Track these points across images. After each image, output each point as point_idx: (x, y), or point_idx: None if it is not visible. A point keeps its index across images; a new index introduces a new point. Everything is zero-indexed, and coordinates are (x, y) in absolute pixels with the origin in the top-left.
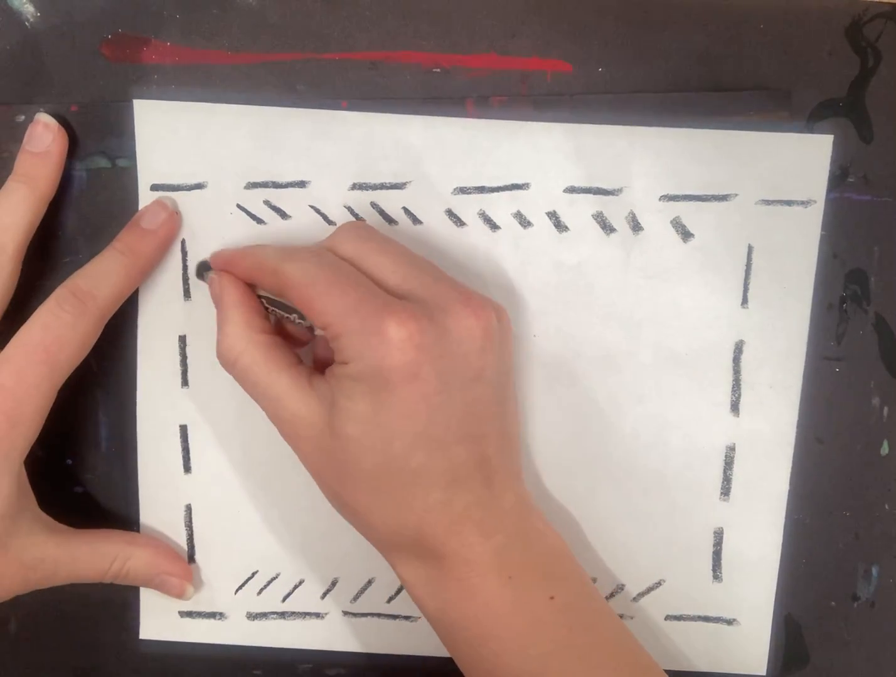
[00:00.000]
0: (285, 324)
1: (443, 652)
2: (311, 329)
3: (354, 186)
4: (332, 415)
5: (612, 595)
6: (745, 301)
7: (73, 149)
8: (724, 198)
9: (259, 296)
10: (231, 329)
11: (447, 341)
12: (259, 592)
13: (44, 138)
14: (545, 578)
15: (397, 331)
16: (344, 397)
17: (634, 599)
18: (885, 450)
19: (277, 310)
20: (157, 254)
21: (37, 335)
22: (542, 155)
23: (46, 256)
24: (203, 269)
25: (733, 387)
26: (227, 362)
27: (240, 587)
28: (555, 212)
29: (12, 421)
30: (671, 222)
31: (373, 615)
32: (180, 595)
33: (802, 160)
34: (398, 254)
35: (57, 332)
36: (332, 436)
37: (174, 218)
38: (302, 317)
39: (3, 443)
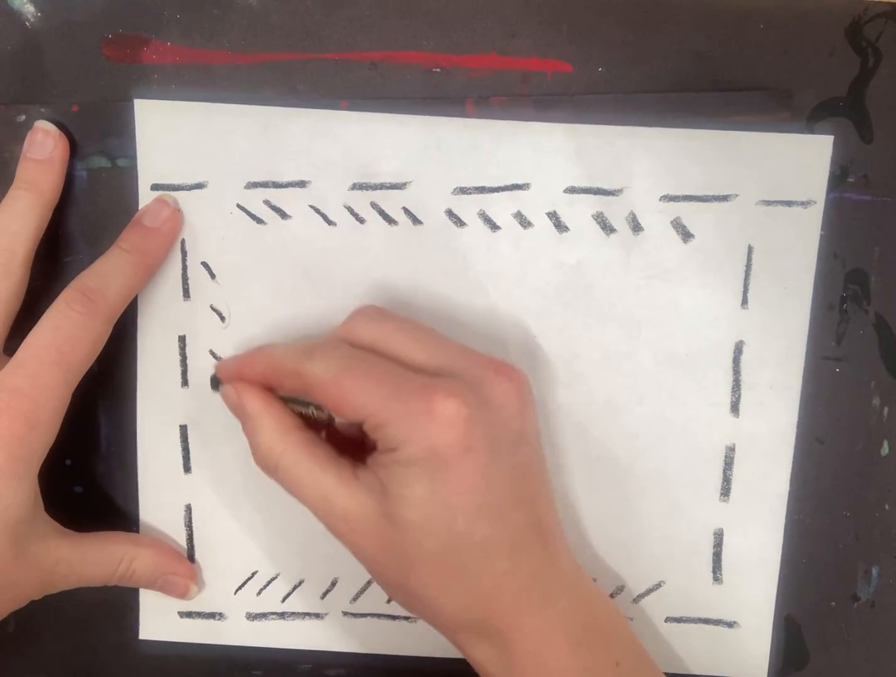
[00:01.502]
0: (306, 419)
1: (442, 652)
2: (329, 418)
3: (354, 186)
4: (386, 504)
5: (611, 596)
6: (745, 301)
7: (74, 149)
8: (724, 198)
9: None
10: (265, 435)
11: (489, 409)
12: (259, 592)
13: (45, 145)
14: (609, 643)
15: (444, 408)
16: (397, 484)
17: (634, 600)
18: (885, 450)
19: (297, 408)
20: (162, 252)
21: (48, 337)
22: (542, 155)
23: (47, 256)
24: (217, 382)
25: (733, 388)
26: (269, 469)
27: (239, 587)
28: (555, 212)
29: (31, 423)
30: (671, 223)
31: (372, 615)
32: (183, 594)
33: (803, 160)
34: (418, 331)
35: (69, 333)
36: (390, 525)
37: (176, 214)
38: (319, 408)
39: (23, 447)
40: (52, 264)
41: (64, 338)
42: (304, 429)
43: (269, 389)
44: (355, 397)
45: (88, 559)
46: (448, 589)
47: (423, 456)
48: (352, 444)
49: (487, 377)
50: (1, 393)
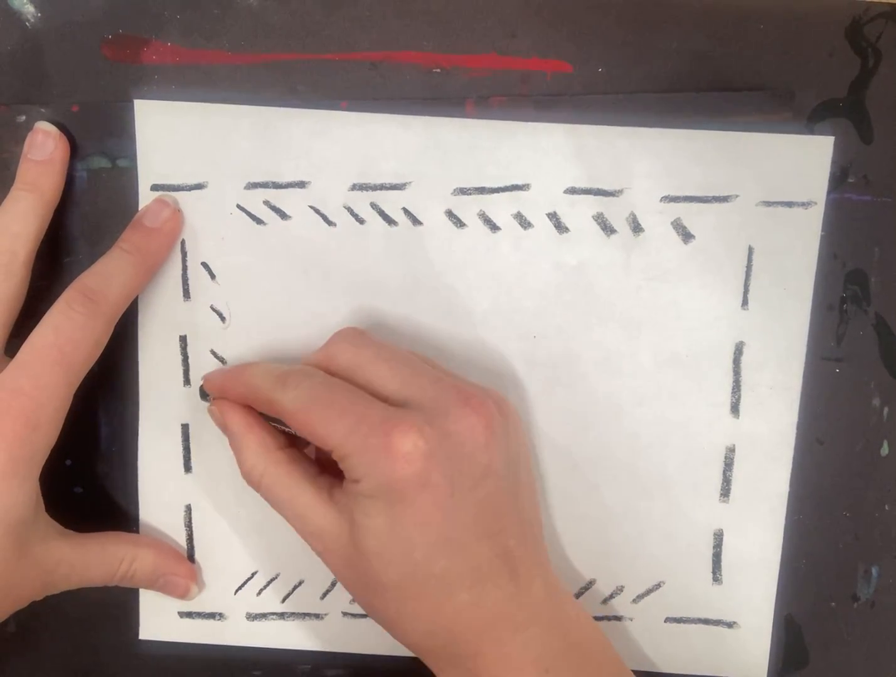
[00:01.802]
0: (288, 436)
1: None
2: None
3: (354, 187)
4: (352, 531)
5: (611, 596)
6: (745, 302)
7: (74, 149)
8: (724, 199)
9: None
10: (248, 454)
11: (451, 444)
12: (259, 593)
13: (46, 146)
14: (582, 668)
15: (402, 444)
16: (360, 514)
17: (634, 601)
18: (885, 450)
19: (278, 426)
20: (163, 252)
21: (50, 337)
22: (542, 155)
23: (46, 257)
24: (205, 393)
25: (733, 389)
26: (253, 484)
27: (239, 587)
28: (555, 213)
29: (33, 424)
30: (672, 223)
31: None
32: (184, 595)
33: (803, 161)
34: (394, 359)
35: (70, 333)
36: (355, 550)
37: (177, 214)
38: None
39: (25, 448)
40: (51, 264)
41: (65, 339)
42: (285, 448)
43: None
44: (320, 429)
45: (89, 560)
46: (411, 616)
47: (382, 490)
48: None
49: (454, 409)
50: (2, 393)
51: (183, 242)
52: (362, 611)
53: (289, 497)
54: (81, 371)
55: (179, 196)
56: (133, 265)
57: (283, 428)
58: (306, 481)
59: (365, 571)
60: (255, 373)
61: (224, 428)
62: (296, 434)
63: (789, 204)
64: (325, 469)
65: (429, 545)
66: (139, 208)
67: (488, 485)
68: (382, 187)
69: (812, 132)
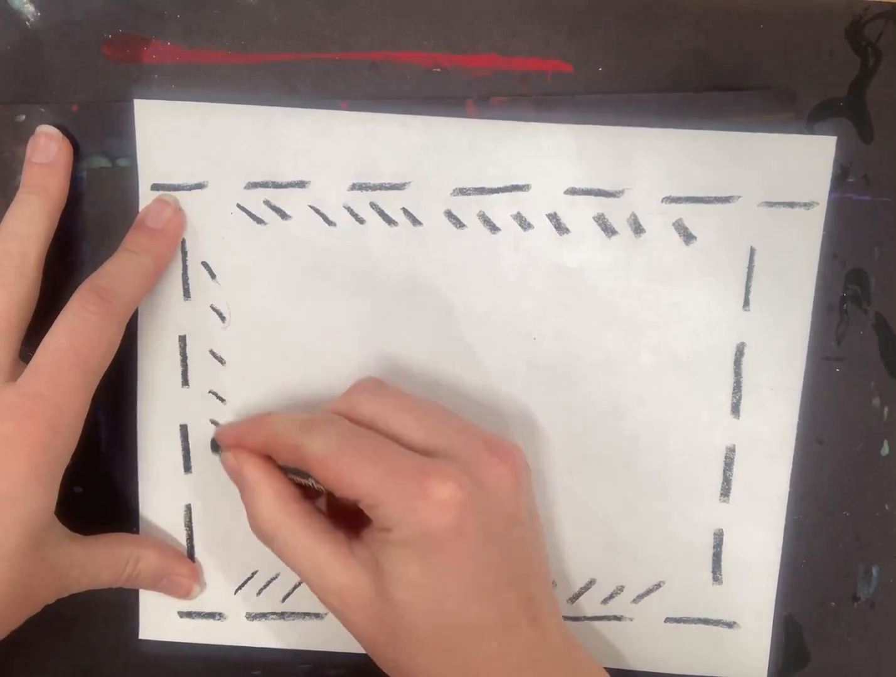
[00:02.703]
0: (306, 490)
1: None
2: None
3: (354, 186)
4: (380, 581)
5: (611, 596)
6: (746, 303)
7: (74, 148)
8: (726, 200)
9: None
10: (263, 505)
11: (483, 492)
12: (259, 592)
13: (49, 149)
14: None
15: (439, 492)
16: (391, 564)
17: (634, 601)
18: (885, 450)
19: (297, 478)
20: (169, 252)
21: (65, 340)
22: (542, 156)
23: (47, 257)
24: (217, 445)
25: (734, 390)
26: (265, 538)
27: (239, 587)
28: (555, 213)
29: (54, 429)
30: (673, 224)
31: None
32: (186, 595)
33: (805, 162)
34: (418, 408)
35: (85, 335)
36: (382, 602)
37: (179, 214)
38: (318, 480)
39: (48, 453)
40: (52, 265)
41: (82, 340)
42: (301, 501)
43: (268, 458)
44: (351, 476)
45: (98, 562)
46: (440, 666)
47: (417, 539)
48: (350, 513)
49: (483, 458)
50: (23, 399)
51: (183, 242)
52: None
53: (306, 552)
54: (99, 373)
55: (179, 196)
56: (142, 265)
57: (303, 480)
58: (324, 535)
59: (393, 624)
60: (277, 420)
61: (239, 476)
62: (316, 489)
63: (791, 204)
64: (339, 522)
65: (462, 594)
66: (139, 208)
67: (515, 532)
68: (382, 187)
69: (812, 132)
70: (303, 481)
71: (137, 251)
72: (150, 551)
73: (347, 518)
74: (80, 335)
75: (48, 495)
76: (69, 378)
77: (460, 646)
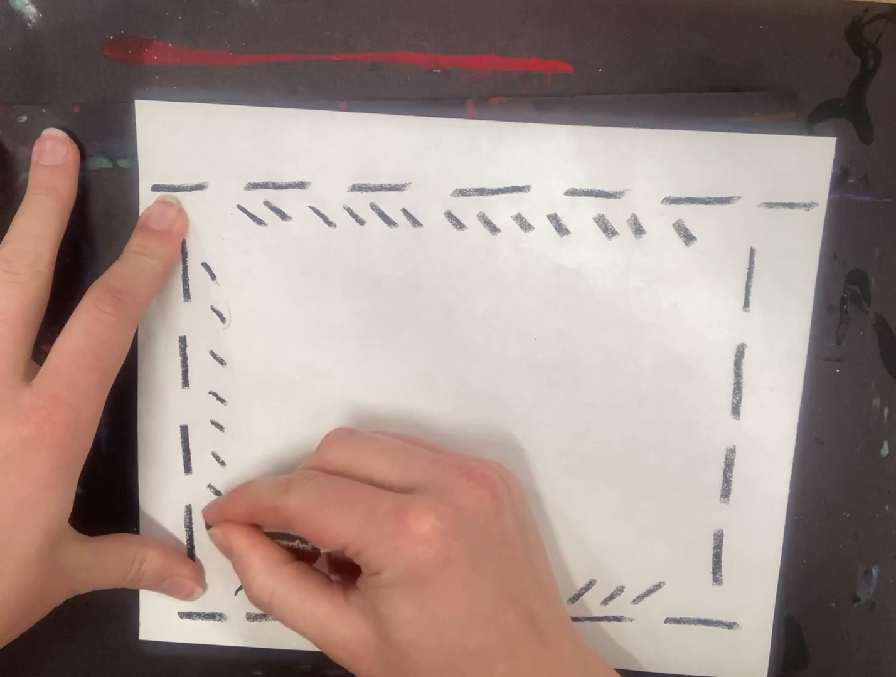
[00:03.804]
0: (294, 552)
1: None
2: (315, 549)
3: (354, 187)
4: (379, 626)
5: (611, 596)
6: (746, 304)
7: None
8: (726, 200)
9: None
10: (255, 574)
11: (464, 518)
12: None
13: (57, 151)
14: None
15: (418, 527)
16: (386, 606)
17: (634, 601)
18: (885, 450)
19: (283, 542)
20: (176, 253)
21: (82, 341)
22: (542, 157)
23: None
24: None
25: (734, 390)
26: (263, 606)
27: (240, 588)
28: (556, 214)
29: (73, 432)
30: (673, 225)
31: None
32: (188, 596)
33: (805, 162)
34: (391, 448)
35: (102, 336)
36: (385, 646)
37: (182, 214)
38: (304, 540)
39: (67, 456)
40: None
41: (98, 342)
42: (292, 562)
43: (256, 526)
44: (332, 527)
45: (105, 563)
46: None
47: (405, 576)
48: (348, 563)
49: (460, 485)
50: (40, 401)
51: (183, 243)
52: None
53: (304, 612)
54: (113, 374)
55: (180, 196)
56: (151, 267)
57: (290, 544)
58: (318, 591)
59: (399, 665)
60: (255, 486)
61: (228, 550)
62: (302, 549)
63: (791, 205)
64: (339, 572)
65: (460, 622)
66: (140, 208)
67: (504, 552)
68: (382, 188)
69: (812, 132)
70: (291, 544)
71: (145, 253)
72: (154, 552)
73: (347, 569)
74: (96, 336)
75: (66, 499)
76: (87, 379)
77: (469, 675)
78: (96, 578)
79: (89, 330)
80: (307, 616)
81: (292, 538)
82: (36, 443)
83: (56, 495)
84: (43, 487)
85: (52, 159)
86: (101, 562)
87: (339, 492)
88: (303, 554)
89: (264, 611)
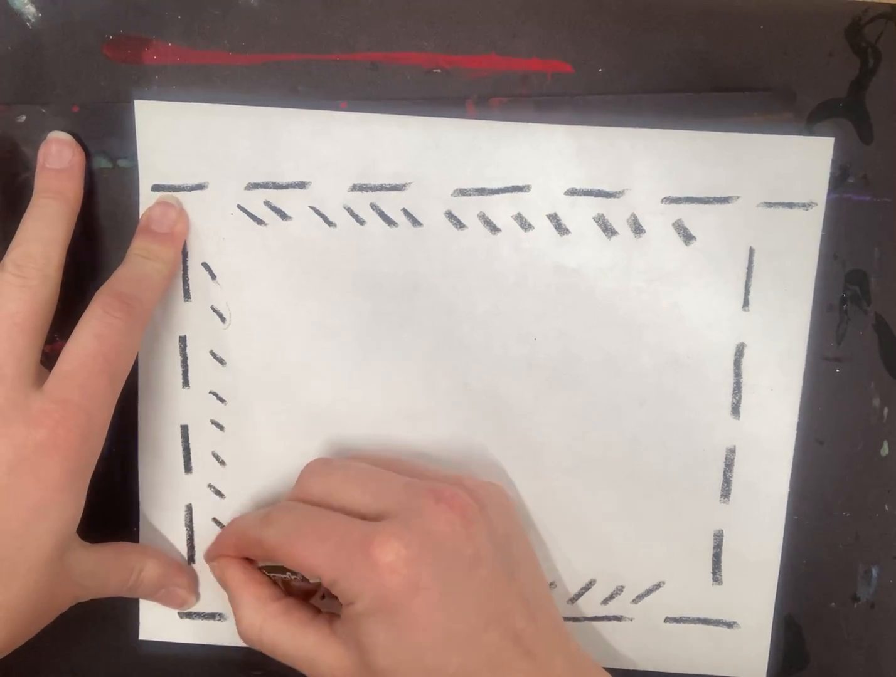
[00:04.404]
0: (290, 584)
1: None
2: (303, 579)
3: (354, 187)
4: (361, 655)
5: (611, 596)
6: (746, 303)
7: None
8: (725, 200)
9: (260, 568)
10: (245, 610)
11: (433, 541)
12: None
13: (63, 155)
14: None
15: (384, 555)
16: (364, 635)
17: (634, 601)
18: (885, 450)
19: (278, 575)
20: (178, 255)
21: (92, 345)
22: (542, 156)
23: None
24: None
25: (734, 390)
26: (252, 641)
27: None
28: (556, 214)
29: (85, 436)
30: (673, 225)
31: None
32: (181, 606)
33: (803, 162)
34: (362, 476)
35: (112, 340)
36: (369, 674)
37: (183, 215)
38: (294, 572)
39: (79, 460)
40: None
41: (109, 346)
42: (281, 599)
43: (250, 561)
44: (306, 558)
45: (109, 570)
46: None
47: (377, 605)
48: None
49: (429, 508)
50: (53, 405)
51: (183, 242)
52: None
53: (293, 644)
54: (124, 378)
55: (180, 196)
56: (156, 270)
57: (283, 576)
58: (305, 625)
59: None
60: (241, 520)
61: (224, 584)
62: (293, 581)
63: (790, 205)
64: (334, 604)
65: (438, 646)
66: (140, 208)
67: (480, 573)
68: (382, 188)
69: (812, 132)
70: (284, 577)
71: (149, 257)
72: (153, 561)
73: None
74: (106, 341)
75: (77, 504)
76: (98, 384)
77: None
78: (99, 585)
79: (99, 334)
80: (295, 649)
81: (283, 570)
82: (49, 447)
83: (68, 500)
84: (55, 491)
85: (58, 162)
86: (104, 570)
87: (313, 524)
88: (301, 586)
89: (254, 648)
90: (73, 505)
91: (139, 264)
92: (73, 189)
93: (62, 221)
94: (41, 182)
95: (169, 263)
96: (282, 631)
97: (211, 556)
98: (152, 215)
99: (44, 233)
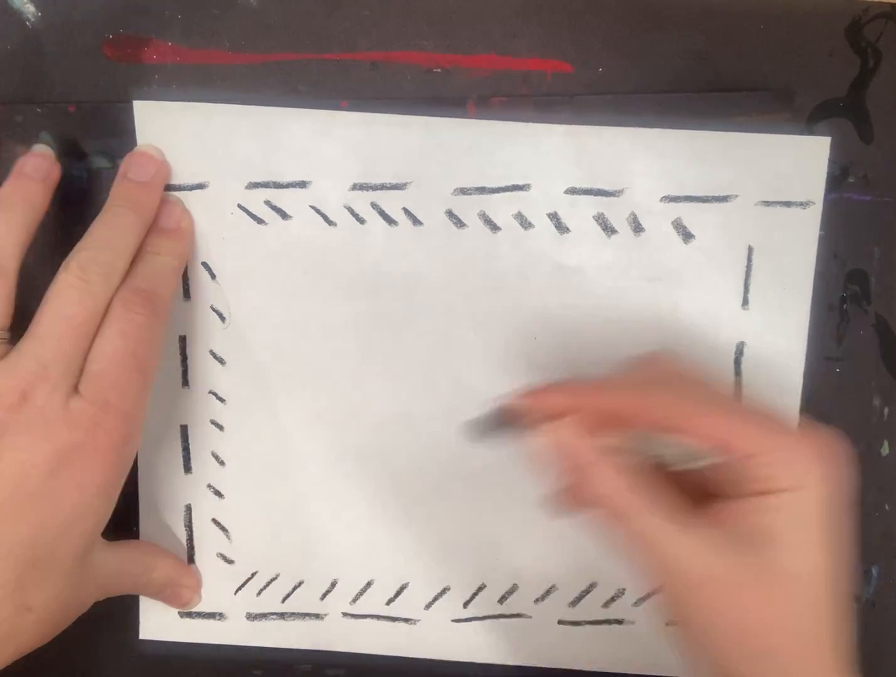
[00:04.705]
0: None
1: (441, 654)
2: (660, 462)
3: (355, 187)
4: (760, 552)
5: (612, 599)
6: (745, 302)
7: (74, 148)
8: (724, 199)
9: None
10: (606, 485)
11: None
12: (259, 593)
13: (147, 168)
14: None
15: (834, 455)
16: (786, 527)
17: (635, 604)
18: (885, 450)
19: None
20: (188, 249)
21: (119, 343)
22: (542, 156)
23: (47, 257)
24: (501, 419)
25: (734, 389)
26: (613, 515)
27: (239, 587)
28: (556, 213)
29: (124, 437)
30: (672, 223)
31: (372, 617)
32: (184, 606)
33: (801, 162)
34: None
35: (138, 337)
36: (763, 579)
37: (186, 211)
38: (656, 454)
39: (118, 463)
40: (53, 265)
41: (136, 342)
42: (643, 474)
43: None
44: (730, 433)
45: (127, 570)
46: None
47: (818, 495)
48: (690, 489)
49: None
50: (93, 407)
51: (192, 236)
52: (362, 612)
53: (649, 527)
54: (154, 375)
55: (181, 196)
56: (169, 265)
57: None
58: (672, 509)
59: (764, 605)
60: (608, 384)
61: (570, 450)
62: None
63: (788, 204)
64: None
65: (846, 567)
66: None
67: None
68: (383, 187)
69: (812, 132)
70: (655, 455)
71: (161, 252)
72: (163, 561)
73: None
74: (133, 338)
75: (111, 507)
76: (133, 383)
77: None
78: (116, 584)
79: (124, 331)
80: (652, 531)
81: (640, 449)
82: (89, 449)
83: (103, 503)
84: (93, 495)
85: (140, 176)
86: (121, 568)
87: (727, 401)
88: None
89: (608, 523)
90: (107, 508)
91: (152, 260)
92: (150, 204)
93: (133, 233)
94: (119, 191)
95: (180, 257)
96: (643, 508)
97: (548, 404)
98: (160, 213)
99: (113, 242)
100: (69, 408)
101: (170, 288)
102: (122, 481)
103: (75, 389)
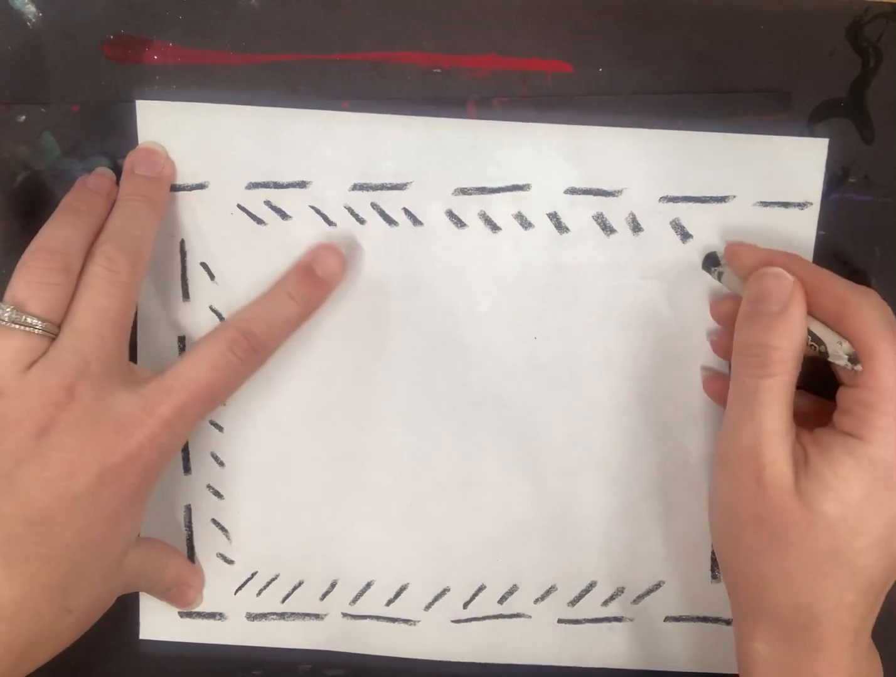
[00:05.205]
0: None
1: (440, 655)
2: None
3: (355, 187)
4: (806, 484)
5: (612, 597)
6: None
7: (75, 149)
8: (722, 199)
9: None
10: (795, 340)
11: None
12: (259, 593)
13: (155, 163)
14: None
15: None
16: (840, 474)
17: (634, 601)
18: None
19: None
20: (322, 303)
21: (206, 376)
22: (542, 156)
23: None
24: (712, 263)
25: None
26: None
27: (239, 587)
28: (555, 213)
29: (167, 455)
30: (671, 223)
31: (372, 617)
32: (187, 605)
33: (799, 163)
34: None
35: (226, 377)
36: (796, 506)
37: (342, 263)
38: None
39: (157, 474)
40: None
41: (221, 381)
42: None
43: None
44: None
45: (144, 568)
46: (787, 583)
47: None
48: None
49: None
50: (151, 419)
51: (182, 242)
52: (362, 613)
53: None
54: (216, 409)
55: (181, 196)
56: (297, 316)
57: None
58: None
59: (793, 531)
60: (826, 273)
61: (790, 297)
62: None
63: (785, 204)
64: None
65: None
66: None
67: None
68: (383, 187)
69: (812, 132)
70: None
71: (298, 301)
72: (173, 560)
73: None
74: (221, 375)
75: (142, 513)
76: (195, 411)
77: (845, 577)
78: (135, 582)
79: (217, 367)
80: (801, 401)
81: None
82: (135, 458)
83: (140, 510)
84: (132, 503)
85: (149, 170)
86: (142, 568)
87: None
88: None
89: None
90: (142, 514)
91: (284, 306)
92: (161, 198)
93: (150, 224)
94: (129, 186)
95: (311, 310)
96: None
97: (762, 261)
98: (316, 259)
99: (134, 232)
100: (118, 410)
101: (280, 340)
102: (153, 490)
103: (127, 386)
